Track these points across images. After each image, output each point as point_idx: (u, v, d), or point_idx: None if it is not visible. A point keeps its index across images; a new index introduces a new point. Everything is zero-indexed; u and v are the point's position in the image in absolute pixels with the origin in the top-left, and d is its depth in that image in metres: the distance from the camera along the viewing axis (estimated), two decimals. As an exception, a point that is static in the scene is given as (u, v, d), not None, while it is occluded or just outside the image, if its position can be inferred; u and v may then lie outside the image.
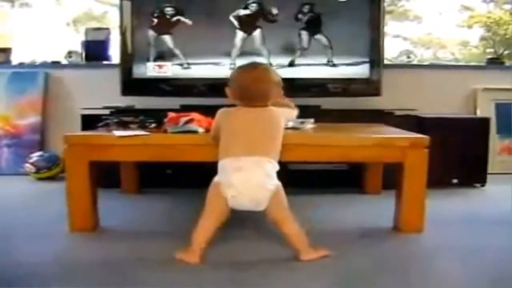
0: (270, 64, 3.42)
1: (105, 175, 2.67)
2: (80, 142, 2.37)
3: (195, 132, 2.38)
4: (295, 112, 2.33)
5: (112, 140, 2.35)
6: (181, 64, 3.52)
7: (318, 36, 3.49)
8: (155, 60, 3.52)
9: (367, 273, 1.87)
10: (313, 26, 3.49)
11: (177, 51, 3.51)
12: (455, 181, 3.44)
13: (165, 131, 2.45)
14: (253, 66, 2.22)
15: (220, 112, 2.13)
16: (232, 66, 3.46)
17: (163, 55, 3.53)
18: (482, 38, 4.91)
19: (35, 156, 3.78)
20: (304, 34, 3.50)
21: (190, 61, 3.50)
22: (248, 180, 1.91)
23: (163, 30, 3.50)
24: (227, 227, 2.02)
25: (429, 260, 2.04)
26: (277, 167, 2.00)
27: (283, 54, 3.52)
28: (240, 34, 3.48)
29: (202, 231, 1.94)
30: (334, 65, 3.50)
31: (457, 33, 4.84)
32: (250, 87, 2.06)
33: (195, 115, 2.45)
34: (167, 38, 3.50)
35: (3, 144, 4.04)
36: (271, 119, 2.06)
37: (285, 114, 2.18)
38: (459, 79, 4.07)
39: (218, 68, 3.48)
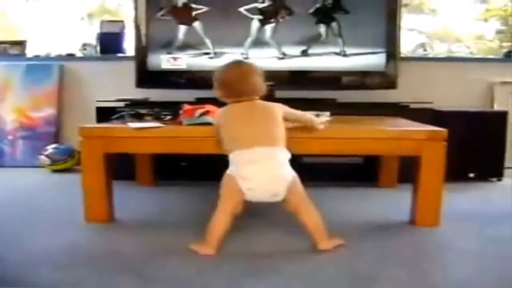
0: (284, 55, 3.43)
1: (120, 167, 2.67)
2: (96, 134, 2.37)
3: (210, 124, 2.37)
4: (314, 120, 2.28)
5: (127, 132, 2.36)
6: (207, 53, 3.51)
7: (333, 25, 3.48)
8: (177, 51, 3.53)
9: (382, 266, 1.85)
10: (326, 15, 3.48)
11: (207, 40, 3.51)
12: (471, 175, 3.41)
13: (181, 123, 2.45)
14: (236, 63, 2.25)
15: (217, 113, 2.18)
16: (245, 56, 3.46)
17: (185, 46, 3.53)
18: (498, 32, 4.84)
19: (51, 148, 3.81)
20: (321, 25, 3.48)
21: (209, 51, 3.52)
22: (263, 171, 1.92)
23: (187, 19, 3.50)
24: (242, 218, 2.02)
25: (444, 254, 2.03)
26: (289, 155, 2.00)
27: (298, 46, 3.50)
28: (256, 23, 3.47)
29: (217, 224, 1.94)
30: (345, 55, 3.48)
31: (473, 27, 4.79)
32: (238, 83, 2.10)
33: (210, 107, 2.44)
34: (198, 27, 3.50)
35: (19, 136, 4.06)
36: (266, 109, 2.08)
37: (283, 108, 2.14)
38: (476, 72, 4.01)
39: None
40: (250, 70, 2.14)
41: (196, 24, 3.49)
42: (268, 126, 2.02)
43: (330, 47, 3.49)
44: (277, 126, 2.04)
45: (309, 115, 2.29)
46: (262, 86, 2.12)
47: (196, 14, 3.48)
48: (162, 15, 3.48)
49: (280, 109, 2.11)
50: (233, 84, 2.10)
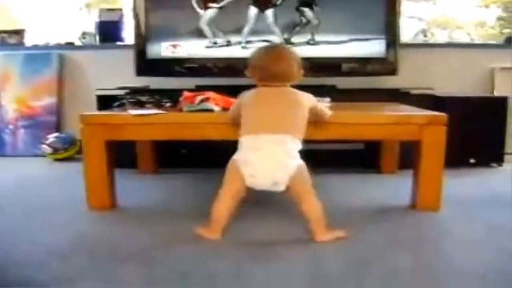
0: (285, 43, 3.41)
1: (122, 156, 2.66)
2: (97, 122, 2.37)
3: (211, 110, 2.38)
4: (327, 113, 2.26)
5: (128, 119, 2.37)
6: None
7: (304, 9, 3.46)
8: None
9: (383, 251, 1.86)
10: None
11: (206, 28, 3.49)
12: (472, 160, 3.41)
13: (181, 110, 2.45)
14: (273, 46, 2.23)
15: (242, 93, 2.14)
16: (243, 45, 3.44)
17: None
18: (499, 18, 4.82)
19: (52, 137, 3.81)
20: (307, 10, 3.46)
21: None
22: (266, 159, 1.89)
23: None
24: (247, 205, 2.02)
25: (444, 239, 2.04)
26: (299, 146, 1.98)
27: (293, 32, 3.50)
28: (253, 10, 3.45)
29: (219, 209, 1.94)
30: (315, 43, 3.46)
31: (473, 14, 4.76)
32: (270, 66, 2.05)
33: (211, 94, 2.45)
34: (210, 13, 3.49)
35: (20, 125, 4.07)
36: (292, 97, 2.04)
37: (313, 100, 2.13)
38: (477, 58, 4.00)
39: (232, 48, 3.48)
40: (284, 54, 2.10)
41: (210, 11, 3.47)
42: (287, 114, 1.98)
43: (329, 34, 3.47)
44: (298, 115, 2.01)
45: (327, 109, 2.26)
46: (295, 72, 2.07)
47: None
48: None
49: (309, 100, 2.09)
50: (264, 67, 2.05)
